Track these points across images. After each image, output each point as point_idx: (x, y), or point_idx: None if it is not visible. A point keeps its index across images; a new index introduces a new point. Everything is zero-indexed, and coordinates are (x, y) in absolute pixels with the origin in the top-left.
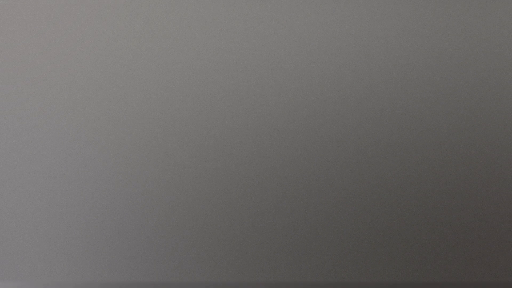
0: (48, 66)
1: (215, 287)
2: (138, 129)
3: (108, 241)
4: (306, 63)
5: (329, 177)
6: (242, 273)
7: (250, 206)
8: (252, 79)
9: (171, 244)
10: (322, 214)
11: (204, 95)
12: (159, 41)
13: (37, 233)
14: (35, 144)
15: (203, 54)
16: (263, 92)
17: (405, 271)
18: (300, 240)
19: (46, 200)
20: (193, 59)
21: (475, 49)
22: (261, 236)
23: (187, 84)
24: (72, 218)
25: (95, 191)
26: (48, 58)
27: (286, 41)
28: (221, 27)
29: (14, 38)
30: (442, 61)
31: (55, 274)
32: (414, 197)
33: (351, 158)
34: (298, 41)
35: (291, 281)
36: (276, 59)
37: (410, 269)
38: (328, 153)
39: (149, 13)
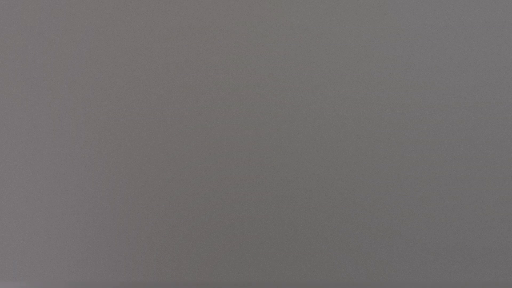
0: (48, 65)
1: (215, 287)
2: (138, 129)
3: (108, 241)
4: (306, 62)
5: (330, 177)
6: (242, 273)
7: (250, 206)
8: (252, 79)
9: (171, 244)
10: (322, 214)
11: (204, 95)
12: (159, 41)
13: (37, 233)
14: (35, 144)
15: (203, 53)
16: (263, 91)
17: (405, 271)
18: (300, 240)
19: (46, 200)
20: (193, 58)
21: (475, 49)
22: (261, 236)
23: (187, 84)
24: (72, 218)
25: (95, 191)
26: (47, 58)
27: (285, 40)
28: (221, 26)
29: (13, 37)
30: (442, 61)
31: (55, 274)
32: (414, 197)
33: (351, 158)
34: (298, 40)
35: (291, 281)
36: (276, 58)
37: (410, 269)
38: (328, 153)
39: (149, 12)
